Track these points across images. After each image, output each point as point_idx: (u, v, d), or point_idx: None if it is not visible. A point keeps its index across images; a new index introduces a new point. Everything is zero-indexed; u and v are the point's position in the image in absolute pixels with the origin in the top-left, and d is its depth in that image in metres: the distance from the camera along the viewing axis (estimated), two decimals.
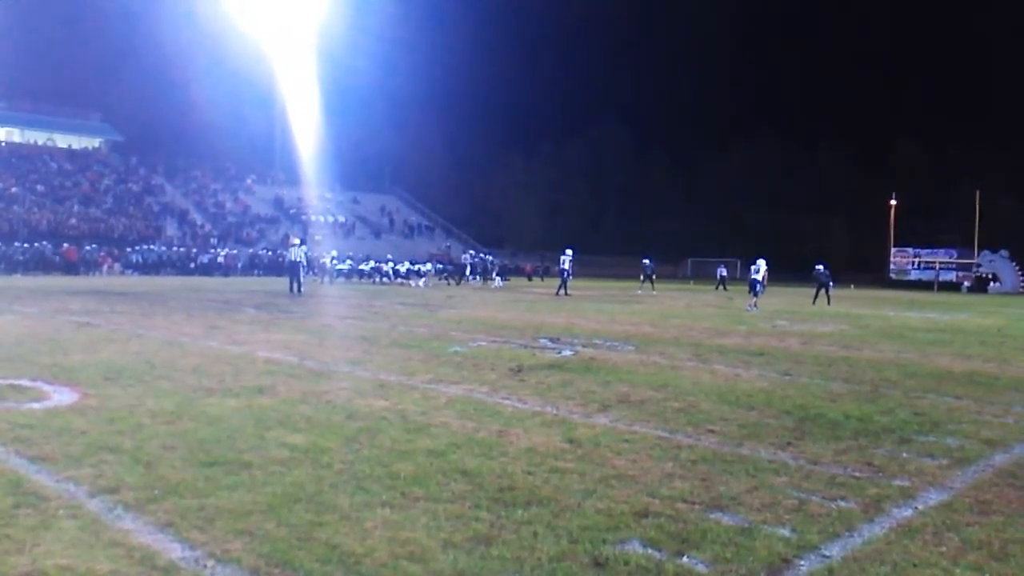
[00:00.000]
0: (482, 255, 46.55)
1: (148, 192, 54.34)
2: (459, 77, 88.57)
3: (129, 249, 44.10)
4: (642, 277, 35.32)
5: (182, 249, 46.38)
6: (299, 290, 23.89)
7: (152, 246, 45.61)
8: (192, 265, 44.32)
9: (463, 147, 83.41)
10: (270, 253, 48.22)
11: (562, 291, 27.59)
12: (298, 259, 24.89)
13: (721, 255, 70.36)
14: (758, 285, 23.75)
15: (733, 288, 38.17)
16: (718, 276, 40.69)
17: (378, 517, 3.81)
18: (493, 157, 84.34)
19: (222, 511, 3.83)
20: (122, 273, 40.89)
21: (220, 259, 45.72)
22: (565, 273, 28.29)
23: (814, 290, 27.79)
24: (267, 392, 7.01)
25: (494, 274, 41.28)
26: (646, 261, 35.22)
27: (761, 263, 24.32)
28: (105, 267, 41.05)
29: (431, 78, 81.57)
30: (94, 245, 42.89)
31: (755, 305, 22.67)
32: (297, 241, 27.88)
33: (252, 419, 5.86)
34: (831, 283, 27.56)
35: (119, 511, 3.82)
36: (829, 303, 25.96)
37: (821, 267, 27.65)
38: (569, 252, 28.70)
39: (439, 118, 79.26)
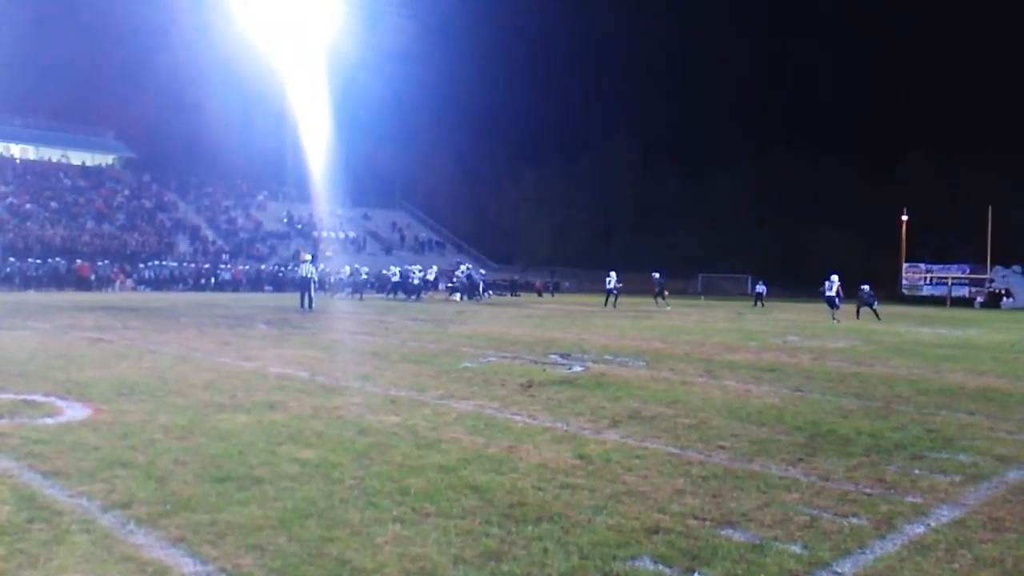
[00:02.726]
0: (468, 267, 42.98)
1: (161, 208, 54.72)
2: (469, 93, 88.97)
3: (142, 265, 44.38)
4: (656, 291, 35.10)
5: (194, 265, 46.63)
6: (310, 306, 23.97)
7: (164, 262, 45.88)
8: (204, 281, 44.54)
9: (473, 163, 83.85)
10: (282, 269, 48.41)
11: (609, 304, 31.90)
12: (309, 275, 24.99)
13: (732, 270, 70.47)
14: (836, 300, 25.94)
15: (761, 305, 38.10)
16: (754, 293, 41.38)
17: (389, 533, 3.82)
18: (503, 172, 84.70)
19: (234, 526, 3.85)
20: (134, 289, 41.13)
21: (238, 275, 46.02)
22: (613, 290, 32.77)
23: (855, 307, 28.02)
24: (278, 408, 7.03)
25: (481, 289, 39.59)
26: (656, 275, 35.18)
27: (835, 278, 26.34)
28: (118, 283, 41.30)
29: (441, 94, 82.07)
30: (107, 261, 43.18)
31: (836, 318, 24.80)
32: (308, 257, 28.02)
33: (263, 434, 5.88)
34: (875, 301, 27.93)
35: (131, 526, 3.84)
36: (878, 318, 26.28)
37: (867, 287, 28.16)
38: (613, 274, 33.09)
39: (449, 134, 79.74)
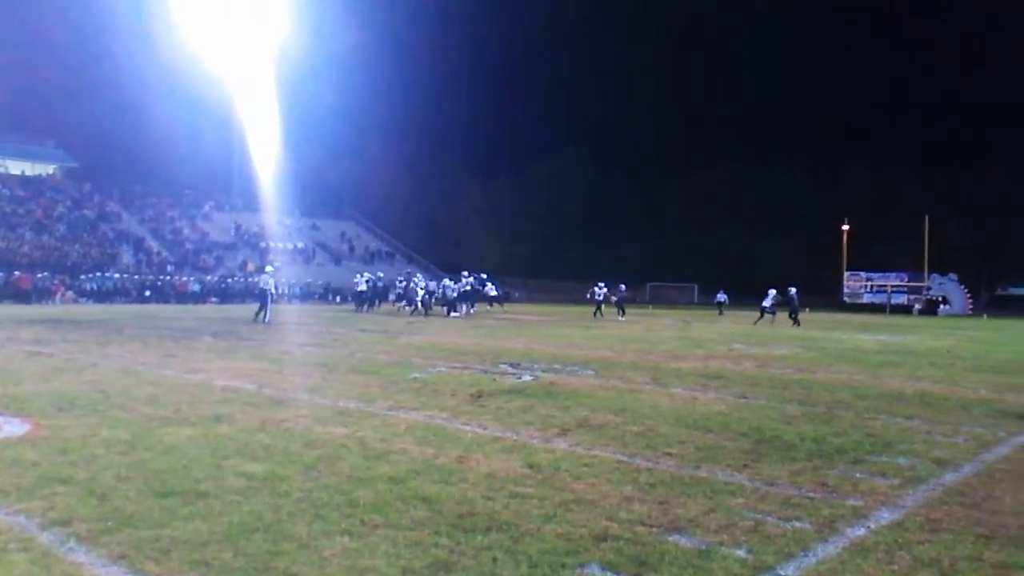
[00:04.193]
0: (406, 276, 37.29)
1: (103, 219, 53.46)
2: (419, 103, 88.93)
3: (83, 277, 43.31)
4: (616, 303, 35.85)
5: (137, 277, 45.68)
6: (265, 318, 23.60)
7: (107, 274, 44.86)
8: (148, 293, 43.65)
9: (423, 173, 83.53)
10: (226, 281, 47.67)
11: (620, 315, 32.88)
12: (267, 287, 24.60)
13: (679, 279, 71.39)
14: (774, 309, 30.82)
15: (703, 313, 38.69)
16: (716, 301, 43.42)
17: (337, 545, 3.80)
18: (453, 183, 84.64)
19: (178, 542, 3.78)
20: (76, 301, 40.11)
21: (195, 287, 45.31)
22: (600, 301, 34.07)
23: (788, 312, 30.65)
24: (224, 421, 6.93)
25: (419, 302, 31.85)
26: (622, 287, 36.12)
27: (772, 292, 30.88)
28: (58, 295, 40.21)
29: (390, 104, 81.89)
30: (47, 273, 42.06)
31: (758, 323, 29.37)
32: (270, 269, 27.63)
33: (209, 448, 5.79)
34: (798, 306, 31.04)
35: (71, 544, 3.76)
36: (797, 324, 28.64)
37: (793, 290, 31.07)
38: (602, 284, 34.42)
39: (399, 144, 79.41)
